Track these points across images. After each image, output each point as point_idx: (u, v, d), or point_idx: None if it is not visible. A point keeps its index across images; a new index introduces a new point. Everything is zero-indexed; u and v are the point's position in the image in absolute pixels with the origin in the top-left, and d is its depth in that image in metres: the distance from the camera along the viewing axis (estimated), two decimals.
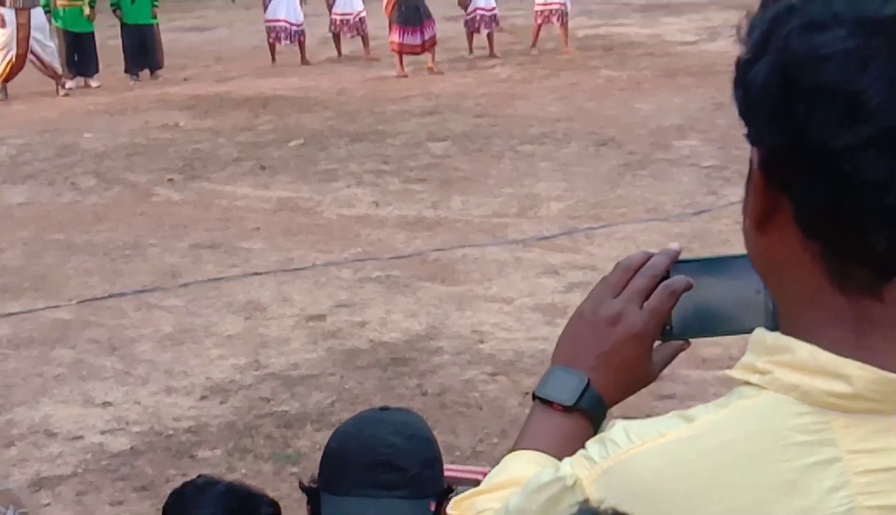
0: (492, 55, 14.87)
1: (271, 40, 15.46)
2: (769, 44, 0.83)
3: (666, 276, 1.05)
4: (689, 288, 1.04)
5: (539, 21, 14.95)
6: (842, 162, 0.80)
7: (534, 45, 15.08)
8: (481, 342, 5.66)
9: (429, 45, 13.97)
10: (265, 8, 15.50)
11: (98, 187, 8.88)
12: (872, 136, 0.79)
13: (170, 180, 8.93)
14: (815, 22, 0.81)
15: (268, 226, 7.75)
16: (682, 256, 1.07)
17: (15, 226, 8.02)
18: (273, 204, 8.28)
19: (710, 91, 10.79)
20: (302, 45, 15.51)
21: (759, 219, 0.88)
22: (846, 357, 0.83)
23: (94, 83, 14.30)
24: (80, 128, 11.05)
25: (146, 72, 14.80)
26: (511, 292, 6.34)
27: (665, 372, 1.11)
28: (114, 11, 14.65)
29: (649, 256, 1.06)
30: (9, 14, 13.07)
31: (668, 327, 1.07)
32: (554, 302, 6.08)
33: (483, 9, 14.84)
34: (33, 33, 13.18)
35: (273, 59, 15.42)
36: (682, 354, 1.11)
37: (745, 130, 0.87)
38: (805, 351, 0.85)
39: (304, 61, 15.41)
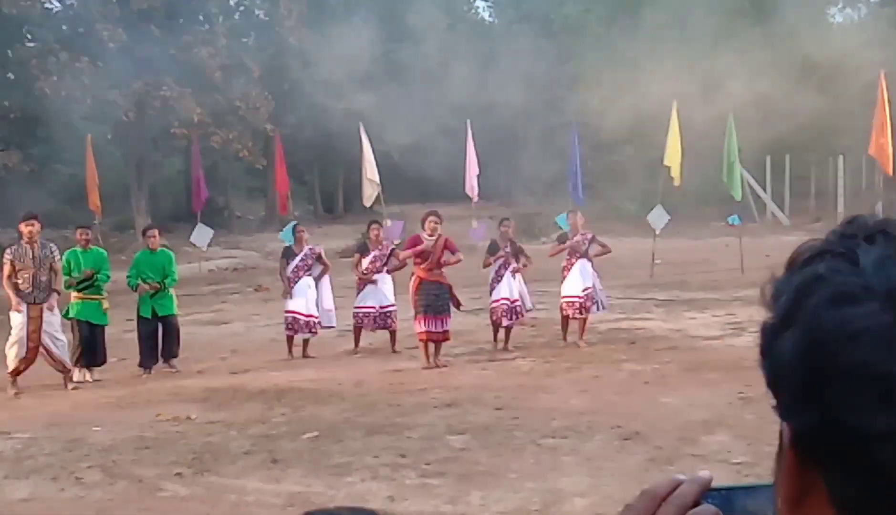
0: (505, 348, 14.65)
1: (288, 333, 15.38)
2: (796, 314, 0.79)
3: (697, 504, 0.93)
4: None
5: (566, 313, 14.89)
6: (879, 448, 0.74)
7: (564, 338, 14.95)
8: None
9: (444, 337, 13.81)
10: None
11: (103, 482, 8.53)
12: None
13: (178, 474, 8.60)
14: (845, 294, 0.76)
15: None
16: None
17: None
18: (284, 498, 7.89)
19: (737, 386, 10.55)
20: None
21: (793, 500, 0.83)
22: None
23: (91, 376, 14.03)
24: (89, 421, 10.78)
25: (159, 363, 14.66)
26: None
27: None
28: (134, 289, 14.63)
29: (678, 483, 0.95)
30: (22, 307, 13.04)
31: None
32: None
33: (507, 299, 14.67)
34: (45, 327, 13.12)
35: (290, 351, 15.32)
36: None
37: (773, 403, 0.83)
38: None
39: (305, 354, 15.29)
